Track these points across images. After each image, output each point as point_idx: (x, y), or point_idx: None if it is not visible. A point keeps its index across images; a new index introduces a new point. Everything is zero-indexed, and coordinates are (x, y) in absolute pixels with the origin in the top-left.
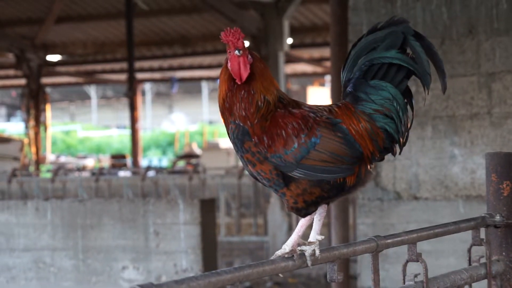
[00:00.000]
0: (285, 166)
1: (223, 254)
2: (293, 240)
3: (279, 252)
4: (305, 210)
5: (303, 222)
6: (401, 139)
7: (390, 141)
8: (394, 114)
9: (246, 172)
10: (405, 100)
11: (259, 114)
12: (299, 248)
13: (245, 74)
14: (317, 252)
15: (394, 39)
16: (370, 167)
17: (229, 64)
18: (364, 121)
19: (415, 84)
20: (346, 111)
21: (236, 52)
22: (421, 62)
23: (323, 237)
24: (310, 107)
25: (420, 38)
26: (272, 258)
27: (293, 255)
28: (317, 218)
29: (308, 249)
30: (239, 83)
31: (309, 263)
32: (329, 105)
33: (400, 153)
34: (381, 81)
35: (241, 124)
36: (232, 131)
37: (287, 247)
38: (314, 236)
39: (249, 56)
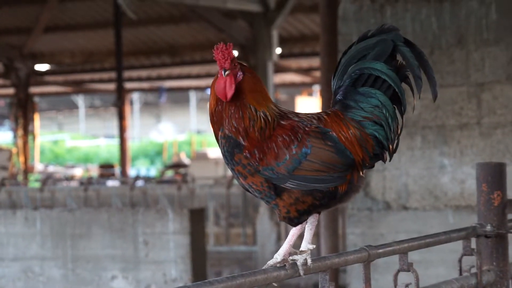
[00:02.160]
0: (277, 178)
1: (212, 264)
2: (285, 250)
3: (271, 262)
4: (297, 219)
5: (294, 231)
6: (390, 146)
7: (380, 148)
8: (384, 121)
9: (235, 182)
10: (394, 107)
11: (257, 128)
12: (290, 257)
13: (230, 94)
14: (309, 261)
15: (384, 47)
16: (362, 174)
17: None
18: (353, 128)
19: (406, 94)
20: (335, 119)
21: (222, 72)
22: (411, 68)
23: (314, 246)
24: (300, 116)
25: (410, 45)
26: (264, 267)
27: (285, 265)
28: (308, 227)
29: (300, 258)
30: (224, 101)
31: (301, 272)
32: (318, 113)
33: (390, 160)
34: (370, 88)
35: (233, 137)
36: (222, 145)
37: (278, 256)
38: (305, 245)
39: (239, 73)
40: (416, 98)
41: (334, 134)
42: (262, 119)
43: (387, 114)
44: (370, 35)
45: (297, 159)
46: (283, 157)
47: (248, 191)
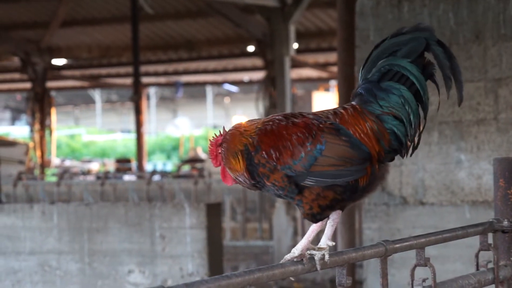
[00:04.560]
0: (296, 176)
1: (228, 259)
2: (303, 245)
3: (288, 256)
4: (320, 215)
5: (314, 227)
6: (409, 142)
7: (398, 143)
8: (405, 117)
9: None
10: (418, 104)
11: (236, 166)
12: (308, 252)
13: (227, 180)
14: (327, 256)
15: (417, 45)
16: (381, 166)
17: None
18: (370, 121)
19: (429, 91)
20: (353, 112)
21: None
22: (443, 69)
23: (333, 243)
24: (315, 114)
25: (442, 46)
26: (281, 262)
27: (302, 259)
28: (330, 223)
29: (317, 253)
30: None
31: (318, 267)
32: (336, 108)
33: (411, 155)
34: (396, 83)
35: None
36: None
37: (296, 251)
38: (325, 241)
39: (220, 156)
40: (443, 97)
41: (350, 128)
42: (237, 159)
43: (410, 111)
44: (404, 31)
45: (312, 155)
46: (298, 154)
47: (277, 195)
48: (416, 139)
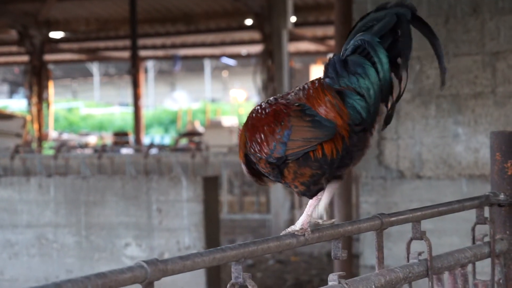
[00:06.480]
0: (277, 161)
1: (226, 232)
2: (303, 219)
3: (289, 229)
4: (308, 191)
5: (311, 202)
6: (370, 118)
7: (360, 117)
8: (365, 92)
9: None
10: (380, 80)
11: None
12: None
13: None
14: (307, 234)
15: (388, 21)
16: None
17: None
18: (329, 95)
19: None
20: (317, 86)
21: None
22: (404, 50)
23: (334, 220)
24: (287, 95)
25: (420, 25)
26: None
27: (304, 234)
28: (326, 195)
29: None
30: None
31: (303, 239)
32: (306, 83)
33: (382, 130)
34: (362, 58)
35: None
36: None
37: (298, 225)
38: (321, 209)
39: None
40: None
41: (314, 102)
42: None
43: (370, 86)
44: (388, 6)
45: (282, 142)
46: (272, 143)
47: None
48: (375, 116)
